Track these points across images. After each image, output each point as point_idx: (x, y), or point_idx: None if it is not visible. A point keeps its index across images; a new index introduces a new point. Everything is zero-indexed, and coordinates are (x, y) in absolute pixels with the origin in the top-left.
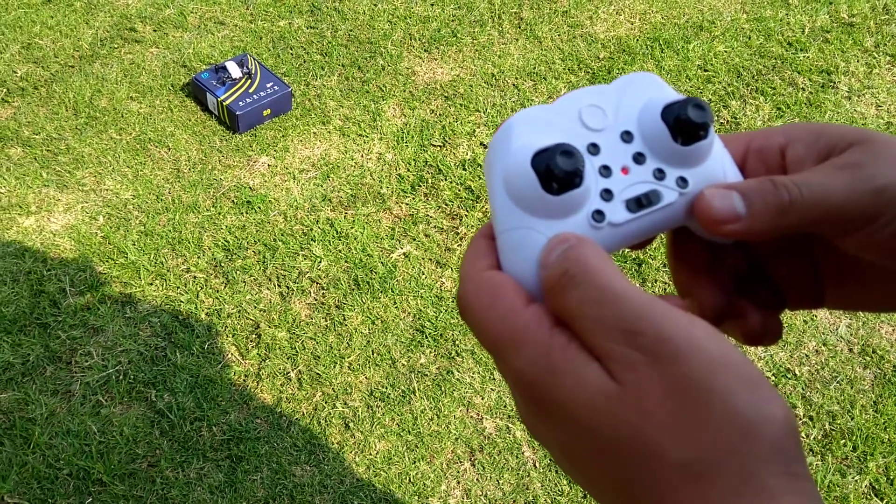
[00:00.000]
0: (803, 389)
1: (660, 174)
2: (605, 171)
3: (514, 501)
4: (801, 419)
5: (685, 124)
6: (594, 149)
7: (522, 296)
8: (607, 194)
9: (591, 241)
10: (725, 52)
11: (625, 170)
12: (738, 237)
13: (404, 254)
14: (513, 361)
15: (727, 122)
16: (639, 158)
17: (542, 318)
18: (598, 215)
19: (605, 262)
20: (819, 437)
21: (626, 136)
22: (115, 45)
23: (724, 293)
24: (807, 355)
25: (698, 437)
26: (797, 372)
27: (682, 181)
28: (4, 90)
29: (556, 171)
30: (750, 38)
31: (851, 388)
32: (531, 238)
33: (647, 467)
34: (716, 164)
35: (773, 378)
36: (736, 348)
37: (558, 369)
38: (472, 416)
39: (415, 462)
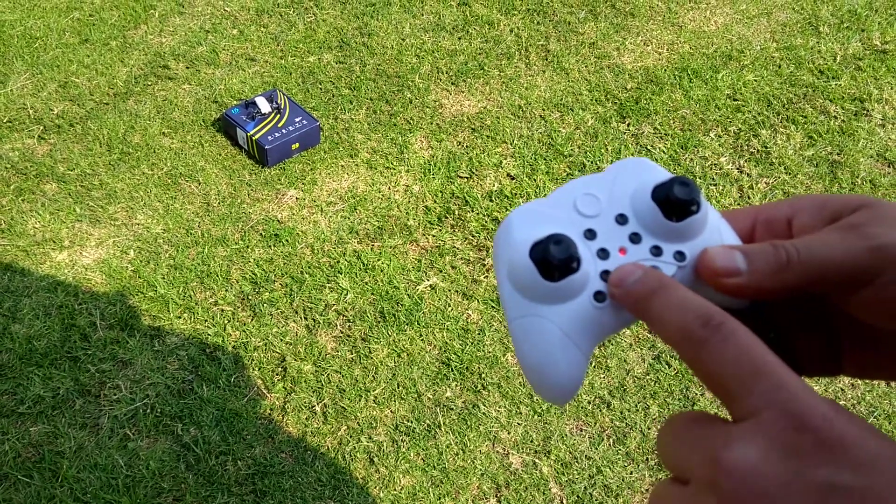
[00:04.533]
0: None
1: (657, 251)
2: (603, 253)
3: None
4: None
5: (675, 203)
6: (590, 234)
7: None
8: (607, 275)
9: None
10: (755, 81)
11: (622, 250)
12: (738, 293)
13: (430, 286)
14: (812, 398)
15: (757, 151)
16: (635, 238)
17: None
18: (600, 296)
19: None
20: None
21: (621, 219)
22: (149, 83)
23: None
24: (842, 389)
25: None
26: None
27: (680, 255)
28: (41, 127)
29: (552, 259)
30: (780, 67)
31: (889, 423)
32: (538, 325)
33: None
34: (713, 235)
35: None
36: None
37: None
38: (498, 452)
39: (440, 498)
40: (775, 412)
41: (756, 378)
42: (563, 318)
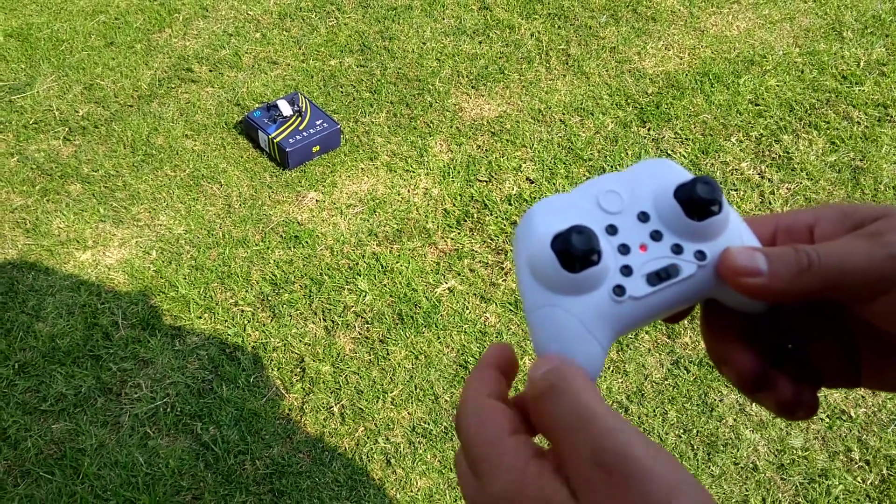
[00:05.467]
0: (859, 432)
1: (677, 249)
2: (624, 248)
3: None
4: (856, 463)
5: (697, 202)
6: (612, 230)
7: (510, 425)
8: (627, 270)
9: (577, 365)
10: (777, 86)
11: (643, 247)
12: (758, 294)
13: (449, 289)
14: (491, 485)
15: (779, 156)
16: (656, 236)
17: (523, 447)
18: (619, 290)
19: (588, 384)
20: (876, 483)
21: (643, 217)
22: (173, 85)
23: (759, 361)
24: (863, 397)
25: None
26: (853, 414)
27: (700, 254)
28: (67, 129)
29: (572, 250)
30: (803, 72)
31: None
32: (557, 315)
33: None
34: (733, 237)
35: (827, 420)
36: (693, 477)
37: (528, 496)
38: None
39: (456, 500)
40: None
41: (474, 464)
42: (582, 310)
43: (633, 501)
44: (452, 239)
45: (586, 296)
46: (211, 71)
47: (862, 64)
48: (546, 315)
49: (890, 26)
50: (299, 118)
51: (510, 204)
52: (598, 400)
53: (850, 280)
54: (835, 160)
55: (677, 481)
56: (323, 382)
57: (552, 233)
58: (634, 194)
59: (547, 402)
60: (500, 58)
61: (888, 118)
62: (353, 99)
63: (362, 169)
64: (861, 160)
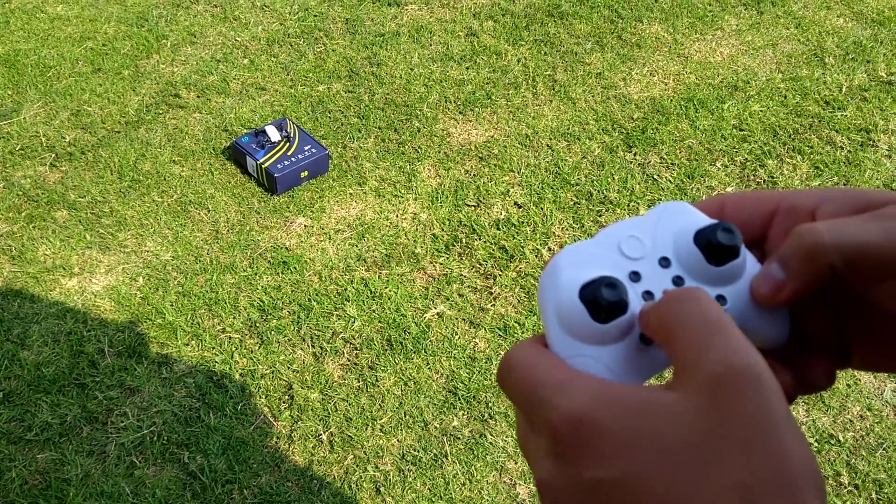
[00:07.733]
0: (848, 456)
1: None
2: (648, 295)
3: None
4: (846, 487)
5: (717, 248)
6: (636, 276)
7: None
8: None
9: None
10: (761, 111)
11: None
12: (792, 297)
13: (438, 314)
14: (560, 401)
15: (764, 181)
16: (678, 281)
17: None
18: (645, 338)
19: (714, 302)
20: None
21: (664, 262)
22: (160, 111)
23: (791, 369)
24: (851, 420)
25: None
26: (841, 438)
27: (721, 299)
28: (53, 155)
29: (602, 301)
30: (786, 98)
31: None
32: (586, 365)
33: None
34: (751, 279)
35: (815, 444)
36: (801, 432)
37: (616, 400)
38: (505, 482)
39: None
40: (544, 429)
41: (533, 395)
42: (611, 359)
43: (751, 411)
44: (441, 264)
45: (615, 345)
46: (199, 97)
47: (844, 89)
48: (577, 365)
49: (871, 52)
50: (287, 143)
51: (498, 229)
52: (728, 316)
53: (865, 258)
54: (818, 185)
55: (794, 428)
56: (311, 410)
57: (580, 282)
58: (655, 239)
59: (677, 305)
60: (487, 83)
61: (870, 143)
62: (342, 124)
63: (351, 194)
64: (844, 184)
